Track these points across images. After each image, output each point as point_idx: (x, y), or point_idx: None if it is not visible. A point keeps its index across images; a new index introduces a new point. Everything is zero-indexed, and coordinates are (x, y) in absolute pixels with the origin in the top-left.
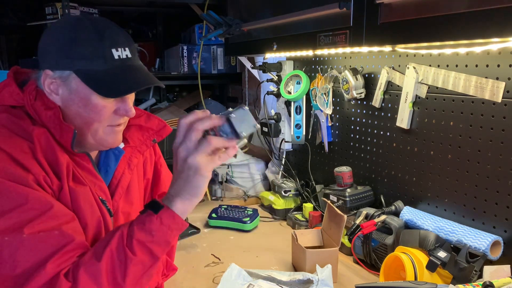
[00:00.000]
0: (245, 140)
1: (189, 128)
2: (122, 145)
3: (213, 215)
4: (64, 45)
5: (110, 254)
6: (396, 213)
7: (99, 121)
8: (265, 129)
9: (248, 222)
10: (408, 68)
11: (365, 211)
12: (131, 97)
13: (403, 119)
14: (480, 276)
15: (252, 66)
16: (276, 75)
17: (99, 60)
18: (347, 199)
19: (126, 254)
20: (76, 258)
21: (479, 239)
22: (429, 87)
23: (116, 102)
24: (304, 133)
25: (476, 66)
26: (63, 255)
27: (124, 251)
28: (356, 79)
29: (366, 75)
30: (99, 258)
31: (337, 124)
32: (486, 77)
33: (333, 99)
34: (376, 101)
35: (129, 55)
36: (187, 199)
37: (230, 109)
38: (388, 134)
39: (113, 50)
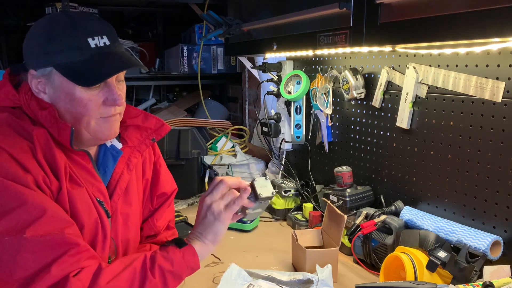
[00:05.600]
0: (260, 209)
1: (219, 182)
2: (120, 146)
3: None
4: (41, 42)
5: (133, 270)
6: (396, 213)
7: (88, 115)
8: (265, 129)
9: (248, 222)
10: (408, 68)
11: (365, 211)
12: (120, 87)
13: (403, 119)
14: (480, 276)
15: (252, 66)
16: (276, 75)
17: (75, 51)
18: (347, 199)
19: (146, 275)
20: (84, 262)
21: (479, 239)
22: (429, 87)
23: (102, 93)
24: (304, 133)
25: (476, 66)
26: (68, 259)
27: (145, 272)
28: (356, 79)
29: (366, 75)
30: (120, 273)
31: (337, 124)
32: (486, 77)
33: (333, 99)
34: (376, 101)
35: (107, 43)
36: (205, 244)
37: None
38: (388, 134)
39: (89, 39)
